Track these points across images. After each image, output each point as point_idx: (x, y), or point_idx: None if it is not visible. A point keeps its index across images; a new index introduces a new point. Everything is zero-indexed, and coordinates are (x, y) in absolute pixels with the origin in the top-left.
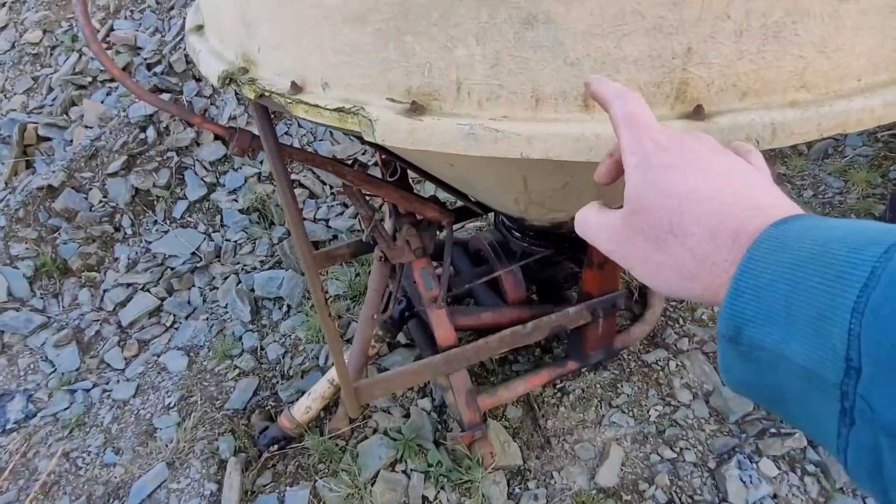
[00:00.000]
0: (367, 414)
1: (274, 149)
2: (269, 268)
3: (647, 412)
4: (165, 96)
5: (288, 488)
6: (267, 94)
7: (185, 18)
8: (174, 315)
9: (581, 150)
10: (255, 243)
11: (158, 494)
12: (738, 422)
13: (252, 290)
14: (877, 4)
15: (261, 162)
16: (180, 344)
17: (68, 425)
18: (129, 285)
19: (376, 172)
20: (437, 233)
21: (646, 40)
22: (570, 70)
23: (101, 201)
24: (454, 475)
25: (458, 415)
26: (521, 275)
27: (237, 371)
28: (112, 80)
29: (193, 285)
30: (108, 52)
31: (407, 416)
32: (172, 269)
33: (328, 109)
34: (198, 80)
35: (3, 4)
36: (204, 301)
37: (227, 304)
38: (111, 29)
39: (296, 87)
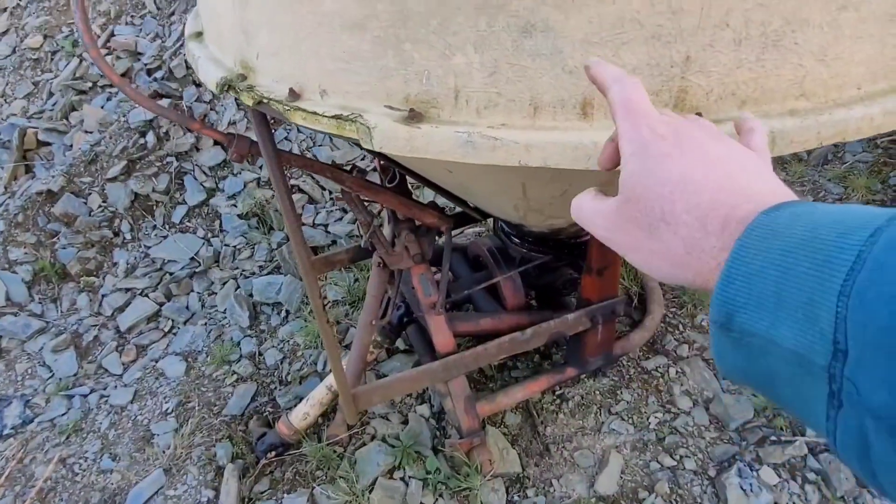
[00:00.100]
0: (365, 420)
1: (272, 155)
2: (268, 273)
3: (647, 419)
4: (165, 101)
5: (285, 495)
6: (265, 101)
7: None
8: (172, 320)
9: (579, 158)
10: (253, 248)
11: (155, 501)
12: (739, 429)
13: (251, 296)
14: (876, 13)
15: (260, 167)
16: (178, 349)
17: (65, 431)
18: (127, 290)
19: (375, 178)
20: (436, 238)
21: (644, 49)
22: (569, 78)
23: (100, 206)
24: (452, 482)
25: (457, 421)
26: (520, 281)
27: (235, 377)
28: (112, 86)
29: (192, 290)
30: (109, 57)
31: (405, 422)
32: (171, 274)
33: (326, 117)
34: (198, 85)
35: (5, 9)
36: (202, 306)
37: (225, 310)
38: (112, 34)
39: (294, 94)
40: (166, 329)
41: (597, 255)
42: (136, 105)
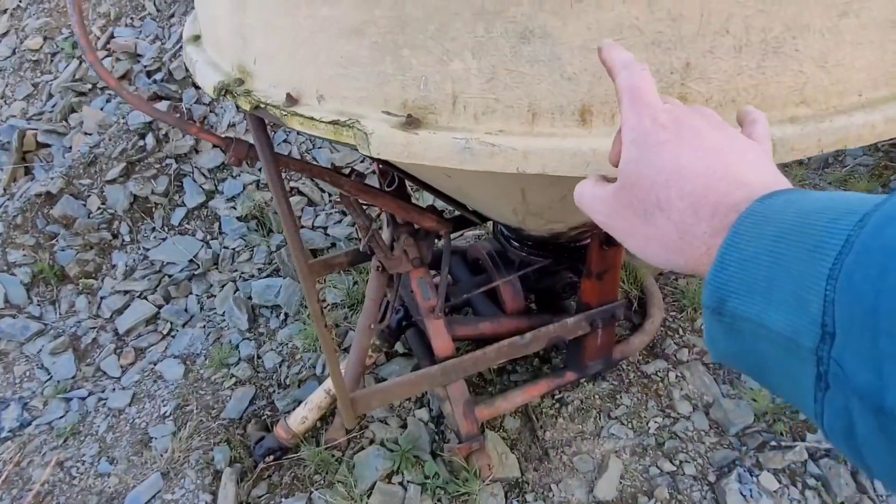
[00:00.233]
0: (363, 424)
1: (270, 159)
2: (267, 275)
3: (647, 424)
4: (165, 104)
5: (283, 500)
6: (262, 105)
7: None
8: (171, 323)
9: (578, 165)
10: (252, 251)
11: None
12: (739, 434)
13: (249, 298)
14: (876, 19)
15: (259, 169)
16: (177, 352)
17: (63, 434)
18: (126, 292)
19: (374, 181)
20: (435, 242)
21: (644, 55)
22: (567, 85)
23: (99, 208)
24: (451, 487)
25: (456, 426)
26: (520, 285)
27: (234, 380)
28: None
29: (191, 293)
30: (109, 59)
31: (404, 426)
32: (170, 276)
33: (323, 122)
34: (197, 87)
35: (5, 11)
36: (201, 309)
37: (224, 312)
38: (111, 36)
39: (291, 100)
40: (165, 331)
41: (596, 259)
42: None
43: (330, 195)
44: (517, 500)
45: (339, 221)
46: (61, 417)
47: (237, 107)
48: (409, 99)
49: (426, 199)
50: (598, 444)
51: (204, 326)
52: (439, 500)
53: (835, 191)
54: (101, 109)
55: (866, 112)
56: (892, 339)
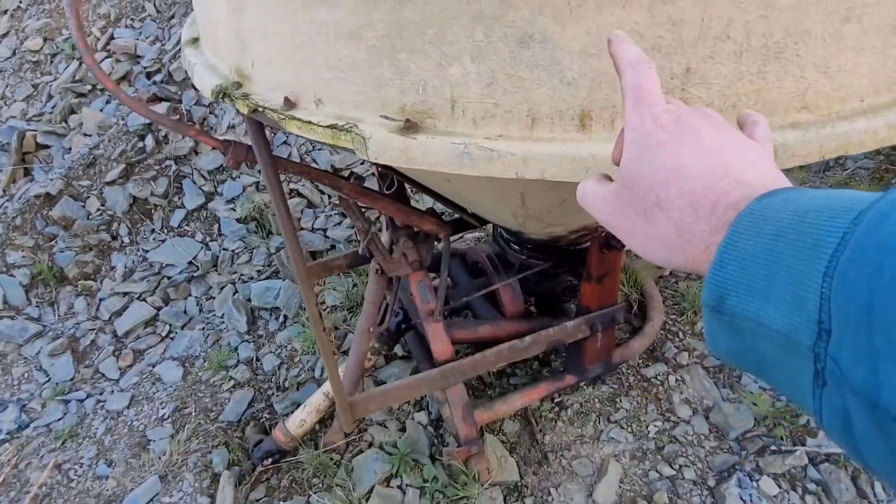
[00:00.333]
0: (362, 427)
1: (268, 162)
2: (266, 277)
3: (647, 428)
4: (164, 105)
5: (282, 503)
6: (260, 109)
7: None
8: (170, 325)
9: (577, 170)
10: (252, 253)
11: None
12: (739, 438)
13: (249, 300)
14: (879, 24)
15: (259, 171)
16: (175, 354)
17: (61, 436)
18: (125, 294)
19: (373, 184)
20: (435, 244)
21: None
22: (567, 90)
23: (98, 210)
24: (450, 491)
25: (455, 429)
26: (520, 288)
27: (232, 382)
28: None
29: (190, 295)
30: (109, 60)
31: (403, 429)
32: (169, 278)
33: (321, 126)
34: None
35: (5, 12)
36: (200, 311)
37: (223, 314)
38: (111, 37)
39: (289, 103)
40: (164, 334)
41: (596, 263)
42: None
43: (329, 197)
44: None
45: (339, 223)
46: (59, 419)
47: (236, 109)
48: (407, 103)
49: (426, 201)
50: (598, 448)
51: (203, 328)
52: None
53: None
54: (101, 111)
55: (868, 118)
56: (887, 335)
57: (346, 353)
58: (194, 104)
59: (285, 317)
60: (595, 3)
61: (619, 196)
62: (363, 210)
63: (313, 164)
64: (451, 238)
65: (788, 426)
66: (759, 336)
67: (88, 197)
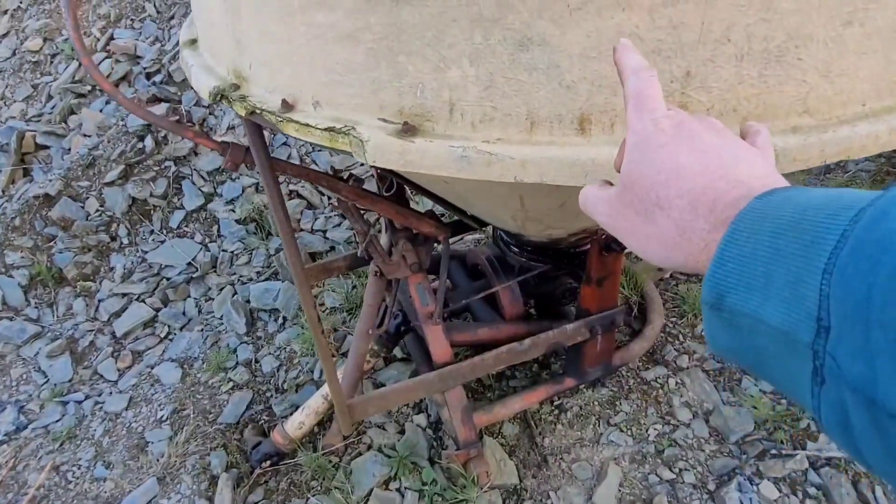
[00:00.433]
0: (361, 430)
1: (266, 164)
2: (266, 279)
3: (646, 431)
4: (164, 106)
5: None
6: (258, 111)
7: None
8: (169, 326)
9: (577, 175)
10: (251, 254)
11: None
12: (739, 442)
13: (248, 302)
14: (881, 28)
15: (258, 172)
16: (174, 355)
17: (59, 438)
18: (124, 295)
19: (372, 186)
20: (435, 246)
21: None
22: (566, 93)
23: (97, 210)
24: (449, 494)
25: (454, 432)
26: (519, 290)
27: (231, 384)
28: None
29: (189, 296)
30: (108, 60)
31: (402, 432)
32: (168, 279)
33: (319, 129)
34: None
35: (5, 12)
36: (199, 312)
37: (222, 316)
38: (111, 38)
39: (286, 105)
40: (162, 335)
41: (596, 265)
42: None
43: (329, 198)
44: None
45: (339, 225)
46: (57, 421)
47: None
48: (405, 106)
49: (425, 203)
50: (597, 451)
51: (202, 330)
52: None
53: None
54: (101, 111)
55: (870, 122)
56: (884, 332)
57: (345, 355)
58: (194, 105)
59: (284, 318)
60: (595, 6)
61: (620, 197)
62: (362, 212)
63: (313, 166)
64: (451, 240)
65: (789, 430)
66: (758, 333)
67: (88, 198)
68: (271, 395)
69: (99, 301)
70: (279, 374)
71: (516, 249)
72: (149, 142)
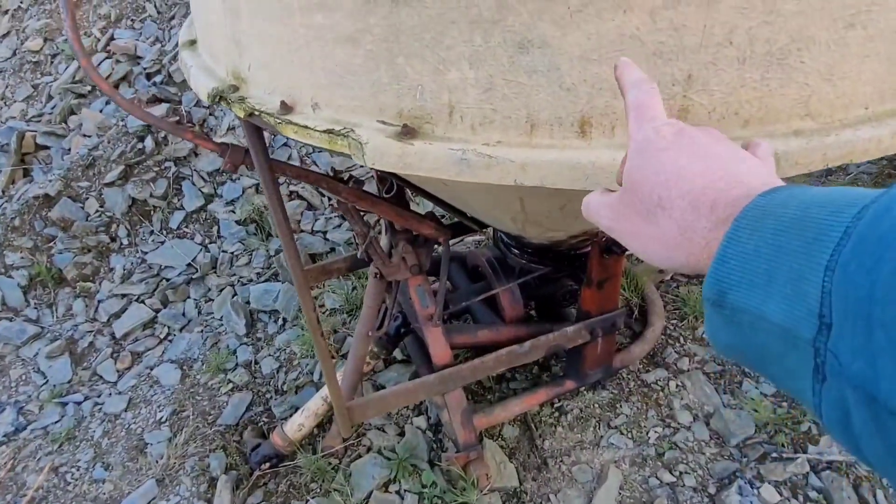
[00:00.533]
0: (360, 432)
1: (265, 166)
2: (266, 280)
3: (647, 434)
4: (164, 106)
5: None
6: (257, 113)
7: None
8: (168, 327)
9: (577, 178)
10: (251, 255)
11: None
12: (739, 445)
13: (247, 303)
14: (884, 31)
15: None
16: (174, 357)
17: (58, 439)
18: (123, 296)
19: (372, 187)
20: (435, 247)
21: (645, 66)
22: (567, 96)
23: (97, 211)
24: (448, 497)
25: (454, 434)
26: (520, 292)
27: (230, 385)
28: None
29: (188, 297)
30: (109, 60)
31: (402, 434)
32: (168, 280)
33: (318, 131)
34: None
35: (6, 12)
36: (199, 313)
37: (222, 317)
38: (112, 38)
39: (286, 107)
40: (162, 336)
41: (597, 268)
42: None
43: (329, 199)
44: None
45: (339, 226)
46: (56, 422)
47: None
48: (404, 108)
49: (425, 205)
50: (598, 454)
51: (201, 331)
52: None
53: None
54: (101, 111)
55: (873, 126)
56: (886, 329)
57: (345, 356)
58: (194, 105)
59: (284, 320)
60: (595, 8)
61: (621, 200)
62: (362, 214)
63: (313, 167)
64: (451, 242)
65: (790, 433)
66: (759, 330)
67: (87, 198)
68: (271, 397)
69: (98, 302)
70: (279, 376)
71: (517, 251)
72: (149, 142)
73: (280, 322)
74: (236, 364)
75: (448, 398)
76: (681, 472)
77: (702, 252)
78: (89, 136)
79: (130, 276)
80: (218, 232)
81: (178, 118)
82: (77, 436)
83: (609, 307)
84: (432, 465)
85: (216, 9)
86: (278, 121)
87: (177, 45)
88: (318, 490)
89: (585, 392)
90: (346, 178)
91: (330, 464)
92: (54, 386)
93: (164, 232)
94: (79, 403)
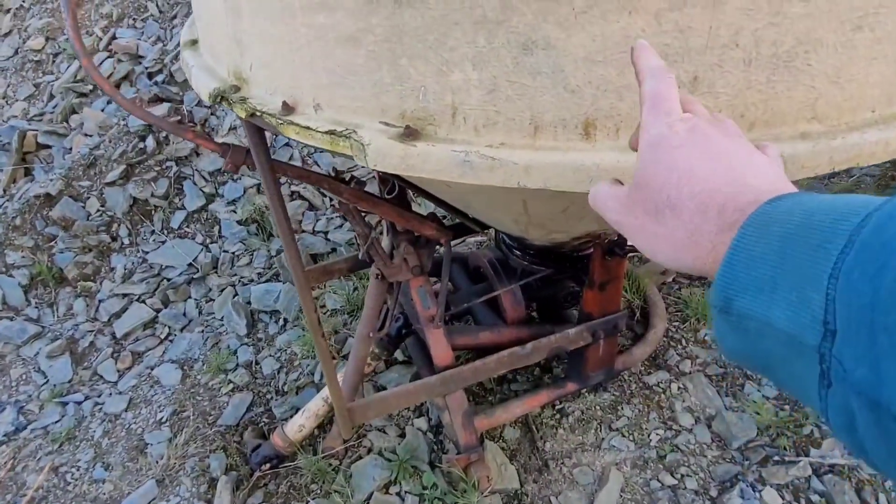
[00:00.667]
0: (361, 433)
1: (266, 166)
2: (267, 280)
3: (648, 436)
4: (166, 106)
5: None
6: (258, 113)
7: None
8: (169, 327)
9: (581, 180)
10: (252, 255)
11: None
12: (741, 448)
13: (248, 303)
14: (892, 33)
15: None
16: (174, 357)
17: (58, 439)
18: (124, 296)
19: (374, 188)
20: (437, 248)
21: None
22: (571, 98)
23: (98, 210)
24: (449, 498)
25: (455, 436)
26: (521, 294)
27: (231, 386)
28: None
29: (189, 297)
30: (110, 60)
31: (402, 435)
32: (169, 280)
33: (319, 132)
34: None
35: (8, 11)
36: (200, 313)
37: (222, 317)
38: (113, 37)
39: (287, 108)
40: (163, 336)
41: (599, 270)
42: None
43: (331, 199)
44: None
45: (340, 226)
46: (57, 422)
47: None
48: (407, 109)
49: (427, 206)
50: (599, 456)
51: (202, 331)
52: None
53: None
54: (102, 111)
55: (880, 129)
56: (889, 335)
57: (345, 357)
58: (196, 105)
59: (285, 320)
60: (600, 9)
61: (630, 195)
62: (364, 214)
63: (315, 167)
64: (453, 243)
65: (792, 436)
66: (765, 336)
67: (88, 197)
68: (271, 398)
69: (99, 301)
70: (279, 377)
71: (519, 253)
72: (150, 142)
73: (281, 322)
74: (237, 364)
75: (449, 399)
76: (682, 475)
77: (708, 255)
78: (90, 136)
79: (131, 276)
80: (219, 232)
81: (179, 118)
82: (77, 436)
83: (611, 309)
84: (433, 467)
85: (218, 8)
86: (280, 122)
87: (178, 44)
88: (319, 491)
89: (587, 394)
90: (347, 179)
91: (330, 465)
92: (55, 385)
93: (165, 232)
94: (79, 403)
